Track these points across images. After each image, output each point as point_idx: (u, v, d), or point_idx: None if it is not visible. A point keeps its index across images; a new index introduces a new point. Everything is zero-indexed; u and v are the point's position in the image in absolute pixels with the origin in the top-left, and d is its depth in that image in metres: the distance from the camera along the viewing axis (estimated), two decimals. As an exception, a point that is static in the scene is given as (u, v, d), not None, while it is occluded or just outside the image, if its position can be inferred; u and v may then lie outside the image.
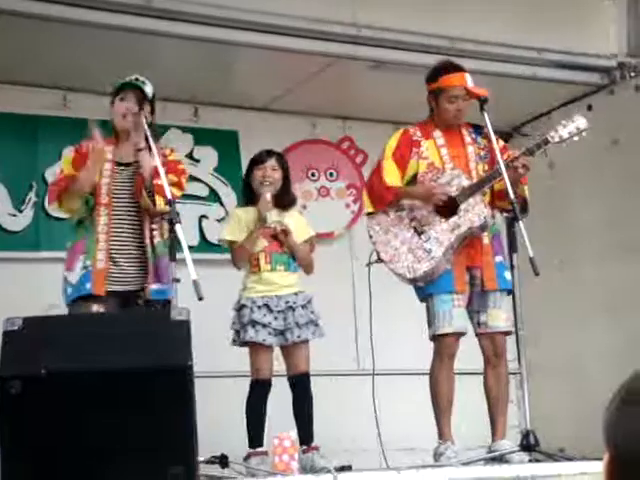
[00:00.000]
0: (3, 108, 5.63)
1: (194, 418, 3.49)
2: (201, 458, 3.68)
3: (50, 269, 5.43)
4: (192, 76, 5.76)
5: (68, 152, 4.57)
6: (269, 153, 4.86)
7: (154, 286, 4.33)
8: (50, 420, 3.39)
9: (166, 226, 4.28)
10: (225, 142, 6.23)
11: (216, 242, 5.80)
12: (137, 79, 4.46)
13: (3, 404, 3.36)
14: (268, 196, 4.65)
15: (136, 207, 4.38)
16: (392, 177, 4.65)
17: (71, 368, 3.42)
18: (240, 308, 4.63)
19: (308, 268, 4.79)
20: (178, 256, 4.15)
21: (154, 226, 4.37)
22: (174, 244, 4.13)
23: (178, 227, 4.08)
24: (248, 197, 4.84)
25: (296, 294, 4.66)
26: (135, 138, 4.35)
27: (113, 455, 3.42)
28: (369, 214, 4.75)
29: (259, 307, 4.58)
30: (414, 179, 4.69)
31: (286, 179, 4.82)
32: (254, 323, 4.55)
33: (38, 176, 5.72)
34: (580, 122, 4.59)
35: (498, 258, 4.65)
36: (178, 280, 4.17)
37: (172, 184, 4.29)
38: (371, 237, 4.72)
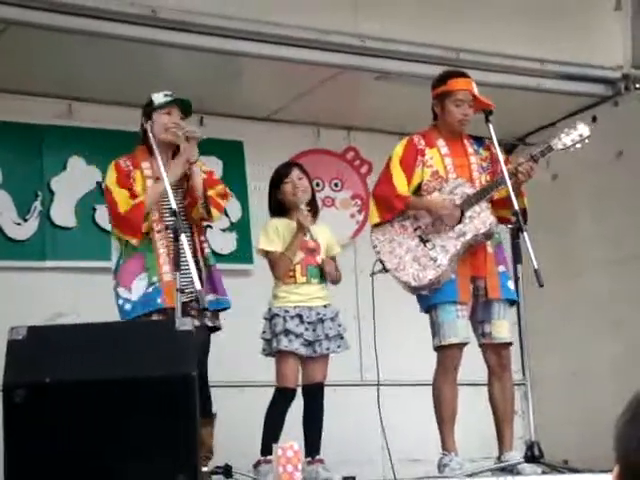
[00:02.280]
0: (9, 117, 5.64)
1: (198, 428, 3.49)
2: (205, 468, 3.68)
3: (55, 278, 5.46)
4: (197, 86, 5.76)
5: (109, 172, 4.50)
6: (290, 164, 4.94)
7: (210, 296, 4.37)
8: (54, 429, 3.40)
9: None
10: (230, 152, 6.24)
11: (221, 252, 5.83)
12: (170, 94, 4.52)
13: (7, 413, 3.37)
14: (304, 208, 4.67)
15: (188, 220, 4.42)
16: (402, 185, 4.65)
17: (75, 377, 3.43)
18: (272, 317, 4.63)
19: (335, 279, 4.83)
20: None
21: (203, 238, 4.48)
22: (179, 255, 4.15)
23: (183, 237, 4.10)
24: (278, 209, 4.83)
25: (325, 307, 4.69)
26: (187, 152, 4.41)
27: (116, 464, 3.42)
28: (375, 225, 4.75)
29: (292, 317, 4.59)
30: (419, 188, 4.69)
31: (312, 188, 4.88)
32: (287, 332, 4.56)
33: (43, 185, 5.73)
34: (583, 130, 4.61)
35: (501, 268, 4.65)
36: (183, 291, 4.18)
37: (219, 195, 4.47)
38: (375, 247, 4.72)
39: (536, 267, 4.30)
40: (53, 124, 5.79)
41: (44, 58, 5.29)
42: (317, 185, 6.58)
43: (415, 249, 4.63)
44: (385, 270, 4.67)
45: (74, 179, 5.79)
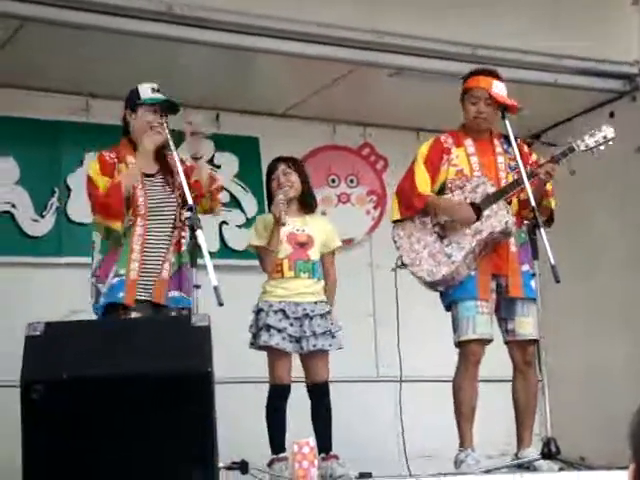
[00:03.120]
0: (26, 113, 5.67)
1: (214, 424, 3.50)
2: (221, 464, 3.68)
3: (72, 274, 5.47)
4: (213, 82, 5.78)
5: (92, 163, 4.47)
6: (277, 160, 4.87)
7: (173, 293, 4.35)
8: (71, 424, 3.41)
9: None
10: (246, 148, 6.24)
11: (237, 248, 5.83)
12: (159, 90, 4.45)
13: (25, 408, 3.38)
14: (280, 197, 4.64)
15: (169, 217, 4.39)
16: (424, 184, 4.65)
17: (92, 373, 3.44)
18: (258, 311, 4.64)
19: (331, 278, 4.79)
20: (199, 262, 4.16)
21: (184, 234, 4.40)
22: (195, 250, 4.15)
23: (199, 233, 4.09)
24: (269, 204, 4.87)
25: (316, 303, 4.65)
26: (192, 147, 4.39)
27: (133, 459, 3.43)
28: (396, 221, 4.74)
29: (275, 312, 4.57)
30: (444, 186, 4.68)
31: (303, 181, 4.82)
32: (268, 327, 4.55)
33: (60, 181, 5.75)
34: (608, 131, 4.61)
35: (525, 267, 4.62)
36: (199, 286, 4.18)
37: (218, 189, 4.57)
38: (395, 242, 4.73)
39: (553, 263, 4.29)
40: (70, 120, 5.81)
41: (60, 55, 5.30)
42: (333, 181, 6.58)
43: (432, 245, 4.63)
44: (404, 265, 4.68)
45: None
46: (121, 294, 4.25)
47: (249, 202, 6.21)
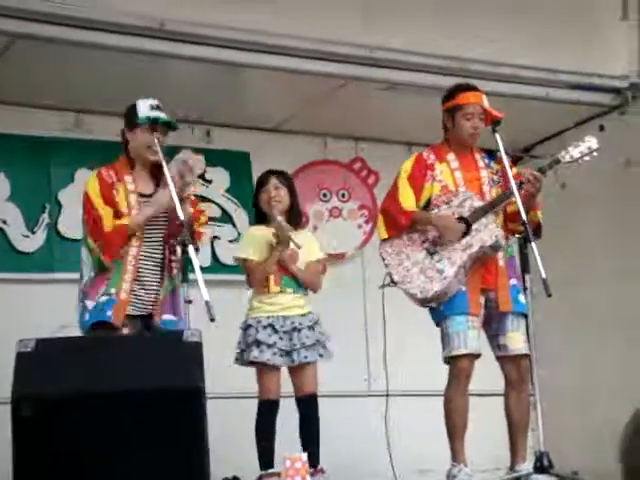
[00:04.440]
0: (17, 130, 5.66)
1: (206, 439, 3.49)
2: (213, 480, 3.67)
3: (63, 290, 5.44)
4: (204, 97, 5.78)
5: (91, 180, 4.43)
6: (269, 173, 4.88)
7: (166, 316, 4.34)
8: (63, 441, 3.39)
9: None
10: (237, 163, 6.24)
11: (228, 263, 5.82)
12: (159, 106, 4.42)
13: (16, 425, 3.36)
14: (280, 219, 4.66)
15: (161, 239, 4.38)
16: (408, 200, 4.65)
17: (84, 390, 3.42)
18: (246, 328, 4.65)
19: (313, 287, 4.79)
20: (190, 277, 4.16)
21: (173, 257, 4.38)
22: (186, 265, 4.14)
23: (190, 249, 4.09)
24: (259, 218, 4.88)
25: (303, 315, 4.66)
26: (186, 180, 4.30)
27: (125, 476, 3.41)
28: (383, 240, 4.74)
29: (264, 327, 4.59)
30: (429, 202, 4.69)
31: (292, 196, 4.83)
32: (259, 343, 4.57)
33: (51, 197, 5.75)
34: (591, 142, 4.63)
35: (513, 281, 4.64)
36: (190, 301, 4.18)
37: (202, 225, 4.50)
38: (384, 259, 4.72)
39: (544, 277, 4.29)
40: (60, 136, 5.80)
41: (51, 71, 5.31)
42: (324, 196, 6.59)
43: (422, 261, 4.62)
44: (393, 283, 4.67)
45: (82, 191, 5.79)
46: (109, 312, 4.23)
47: (240, 217, 6.20)
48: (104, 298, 4.26)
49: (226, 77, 5.61)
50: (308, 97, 5.91)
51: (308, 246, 4.80)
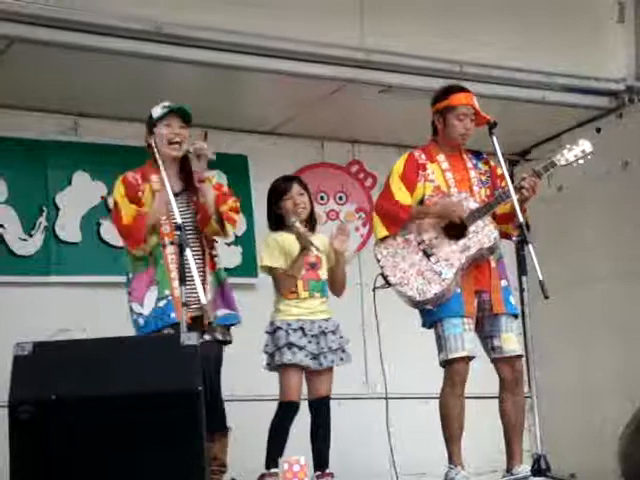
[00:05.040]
0: (14, 133, 5.67)
1: (204, 442, 3.49)
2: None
3: (60, 293, 5.46)
4: (201, 100, 5.77)
5: (117, 186, 4.46)
6: (290, 179, 4.86)
7: (221, 311, 4.38)
8: (60, 445, 3.39)
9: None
10: (234, 166, 6.24)
11: (226, 266, 5.82)
12: (168, 106, 4.48)
13: (13, 429, 3.36)
14: (298, 225, 4.63)
15: (196, 235, 4.41)
16: (403, 197, 4.65)
17: (81, 393, 3.42)
18: (274, 331, 4.62)
19: (344, 288, 4.83)
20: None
21: (214, 252, 4.45)
22: (183, 269, 4.15)
23: (188, 252, 4.10)
24: (277, 224, 4.79)
25: (327, 320, 4.67)
26: (198, 167, 4.40)
27: (123, 479, 3.41)
28: (381, 239, 4.74)
29: (294, 330, 4.58)
30: (421, 202, 4.69)
31: (311, 202, 4.84)
32: (290, 345, 4.55)
33: (48, 201, 5.75)
34: (585, 146, 4.65)
35: (503, 282, 4.65)
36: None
37: (232, 209, 4.49)
38: (379, 261, 4.71)
39: (541, 279, 4.29)
40: (58, 140, 5.80)
41: (49, 74, 5.31)
42: (322, 198, 6.59)
43: (419, 263, 4.62)
44: (388, 285, 4.66)
45: (79, 194, 5.80)
46: (172, 315, 4.26)
47: (238, 220, 6.19)
48: (162, 303, 4.29)
49: (223, 80, 5.62)
50: (305, 100, 5.92)
51: (329, 251, 4.77)
